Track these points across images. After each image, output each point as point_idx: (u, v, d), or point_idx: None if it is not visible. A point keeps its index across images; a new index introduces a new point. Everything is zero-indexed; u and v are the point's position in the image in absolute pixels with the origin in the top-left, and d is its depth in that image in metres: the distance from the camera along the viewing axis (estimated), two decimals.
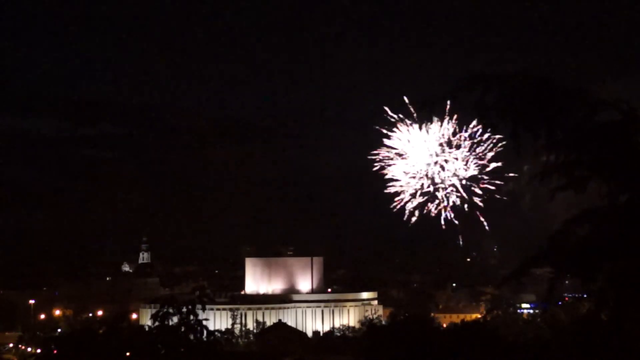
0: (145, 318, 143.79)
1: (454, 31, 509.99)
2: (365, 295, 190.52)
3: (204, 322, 39.89)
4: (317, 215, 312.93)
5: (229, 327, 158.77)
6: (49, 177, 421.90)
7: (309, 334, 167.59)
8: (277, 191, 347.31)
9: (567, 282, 14.72)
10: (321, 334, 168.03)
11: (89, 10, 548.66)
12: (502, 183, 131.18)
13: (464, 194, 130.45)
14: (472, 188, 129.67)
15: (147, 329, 44.74)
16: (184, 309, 38.97)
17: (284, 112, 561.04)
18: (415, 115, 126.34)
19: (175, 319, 39.01)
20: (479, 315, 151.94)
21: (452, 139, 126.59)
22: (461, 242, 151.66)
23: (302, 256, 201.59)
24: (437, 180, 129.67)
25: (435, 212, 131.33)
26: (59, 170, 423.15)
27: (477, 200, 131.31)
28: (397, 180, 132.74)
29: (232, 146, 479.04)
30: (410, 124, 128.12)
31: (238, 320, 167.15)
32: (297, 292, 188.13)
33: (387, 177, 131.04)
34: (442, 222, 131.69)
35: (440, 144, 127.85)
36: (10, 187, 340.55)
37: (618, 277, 13.79)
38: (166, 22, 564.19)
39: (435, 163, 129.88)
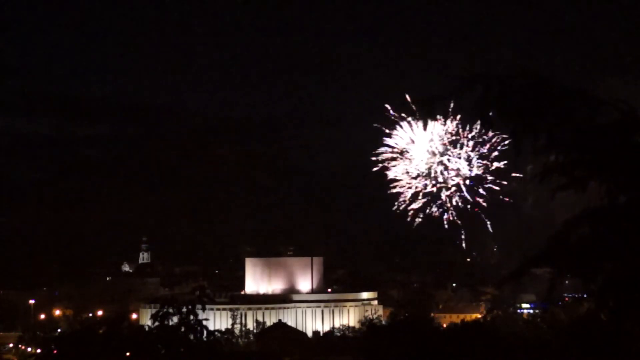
0: (145, 318, 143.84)
1: (453, 31, 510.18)
2: (365, 295, 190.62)
3: (204, 322, 39.88)
4: (317, 215, 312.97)
5: (229, 327, 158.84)
6: (49, 177, 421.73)
7: (309, 334, 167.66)
8: (277, 191, 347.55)
9: (567, 282, 14.72)
10: (321, 334, 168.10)
11: (89, 10, 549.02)
12: (505, 183, 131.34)
13: (467, 194, 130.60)
14: (475, 188, 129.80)
15: (147, 329, 44.80)
16: (184, 309, 38.96)
17: (284, 112, 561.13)
18: (417, 114, 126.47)
19: (175, 319, 39.01)
20: (479, 315, 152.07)
21: (455, 138, 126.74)
22: (464, 244, 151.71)
23: (302, 256, 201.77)
24: (439, 180, 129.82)
25: (438, 212, 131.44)
26: (59, 170, 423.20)
27: (480, 200, 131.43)
28: (399, 180, 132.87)
29: (232, 146, 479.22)
30: (413, 123, 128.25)
31: (238, 320, 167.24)
32: (297, 292, 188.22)
33: (389, 178, 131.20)
34: (445, 222, 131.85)
35: (443, 144, 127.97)
36: (10, 187, 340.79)
37: (618, 277, 13.79)
38: (166, 22, 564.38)
39: (438, 163, 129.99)
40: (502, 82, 14.44)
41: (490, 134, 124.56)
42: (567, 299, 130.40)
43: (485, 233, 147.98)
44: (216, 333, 42.65)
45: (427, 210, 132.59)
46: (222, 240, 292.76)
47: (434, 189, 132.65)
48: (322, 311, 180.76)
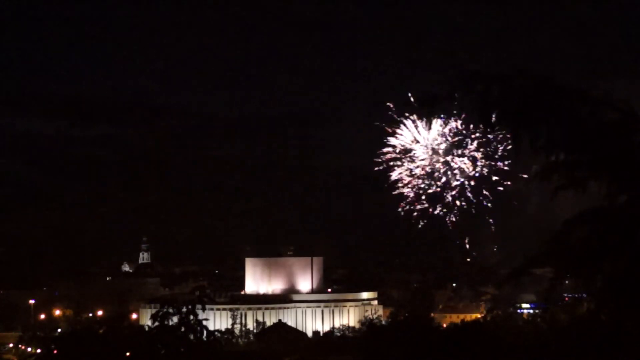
0: (145, 318, 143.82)
1: (454, 31, 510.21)
2: (365, 295, 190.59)
3: (204, 322, 39.90)
4: (317, 215, 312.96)
5: (229, 327, 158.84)
6: (49, 177, 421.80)
7: (309, 334, 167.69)
8: (277, 191, 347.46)
9: (567, 282, 14.71)
10: (321, 334, 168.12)
11: (89, 10, 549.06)
12: (508, 183, 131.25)
13: (470, 195, 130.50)
14: (478, 188, 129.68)
15: (147, 329, 44.80)
16: (184, 309, 38.98)
17: (285, 111, 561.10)
18: (419, 115, 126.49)
19: (175, 319, 39.03)
20: (479, 315, 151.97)
21: (459, 138, 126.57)
22: (467, 244, 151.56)
23: (302, 256, 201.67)
24: (442, 180, 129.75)
25: (441, 213, 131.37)
26: (59, 170, 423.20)
27: (483, 200, 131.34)
28: (402, 181, 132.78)
29: (232, 146, 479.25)
30: (415, 123, 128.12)
31: (238, 320, 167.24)
32: (297, 292, 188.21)
33: (392, 178, 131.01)
34: (448, 222, 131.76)
35: (447, 143, 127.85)
36: (10, 187, 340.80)
37: (618, 277, 13.79)
38: (166, 22, 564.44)
39: (442, 163, 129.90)
40: (502, 82, 14.43)
41: (494, 134, 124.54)
42: (567, 299, 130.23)
43: (486, 233, 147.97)
44: (216, 333, 42.77)
45: (430, 211, 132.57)
46: (222, 240, 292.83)
47: (437, 190, 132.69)
48: (322, 311, 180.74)
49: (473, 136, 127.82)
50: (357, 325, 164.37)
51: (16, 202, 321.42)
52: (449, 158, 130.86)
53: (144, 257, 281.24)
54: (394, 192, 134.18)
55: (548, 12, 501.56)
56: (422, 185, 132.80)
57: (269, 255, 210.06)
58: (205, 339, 39.46)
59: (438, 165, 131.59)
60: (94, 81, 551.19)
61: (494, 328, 70.36)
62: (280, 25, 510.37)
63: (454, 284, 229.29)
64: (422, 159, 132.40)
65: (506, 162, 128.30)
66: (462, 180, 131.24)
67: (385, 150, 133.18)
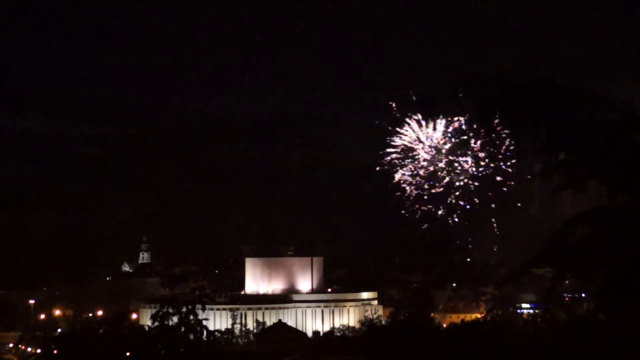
0: (145, 318, 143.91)
1: (454, 31, 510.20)
2: (365, 295, 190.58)
3: (204, 322, 39.93)
4: (317, 216, 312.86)
5: (229, 327, 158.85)
6: (49, 177, 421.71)
7: (309, 334, 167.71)
8: (277, 191, 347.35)
9: (567, 282, 14.71)
10: (321, 334, 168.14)
11: (88, 10, 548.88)
12: (511, 183, 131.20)
13: (473, 195, 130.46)
14: (481, 188, 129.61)
15: (147, 329, 44.86)
16: (184, 309, 39.02)
17: (285, 111, 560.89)
18: (422, 114, 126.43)
19: (175, 319, 39.06)
20: (479, 315, 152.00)
21: (461, 138, 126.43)
22: (470, 244, 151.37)
23: (302, 256, 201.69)
24: (445, 180, 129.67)
25: (444, 213, 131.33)
26: (59, 170, 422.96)
27: (486, 200, 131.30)
28: (405, 181, 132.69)
29: (232, 146, 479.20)
30: (418, 123, 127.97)
31: (238, 320, 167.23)
32: (297, 292, 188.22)
33: (394, 178, 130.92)
34: (450, 222, 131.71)
35: (450, 144, 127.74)
36: (10, 187, 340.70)
37: (618, 277, 13.79)
38: (166, 22, 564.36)
39: (445, 163, 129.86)
40: (501, 81, 14.44)
41: (497, 134, 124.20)
42: (567, 299, 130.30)
43: (488, 233, 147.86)
44: (216, 333, 42.82)
45: (433, 209, 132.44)
46: (222, 240, 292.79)
47: (440, 190, 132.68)
48: (322, 311, 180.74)
49: (473, 136, 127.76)
50: (357, 325, 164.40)
51: (16, 202, 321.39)
52: (452, 158, 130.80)
53: (144, 257, 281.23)
54: (397, 193, 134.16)
55: (548, 12, 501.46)
56: (425, 186, 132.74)
57: (269, 255, 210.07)
58: (205, 339, 39.49)
59: (441, 164, 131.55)
60: (94, 81, 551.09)
61: (494, 328, 70.33)
62: (281, 26, 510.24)
63: (454, 284, 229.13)
64: (425, 159, 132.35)
65: (508, 163, 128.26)
66: (464, 179, 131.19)
67: (387, 150, 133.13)
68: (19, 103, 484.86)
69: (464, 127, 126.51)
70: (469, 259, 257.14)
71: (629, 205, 13.94)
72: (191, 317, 38.98)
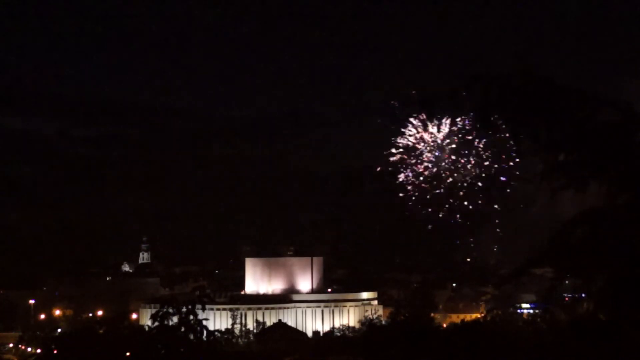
0: (145, 318, 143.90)
1: (454, 31, 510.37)
2: (365, 295, 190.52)
3: (204, 322, 39.96)
4: (317, 216, 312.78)
5: (229, 327, 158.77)
6: (49, 177, 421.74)
7: (309, 334, 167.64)
8: (277, 191, 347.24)
9: (567, 282, 14.71)
10: (321, 334, 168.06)
11: (88, 10, 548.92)
12: (513, 183, 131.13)
13: (477, 194, 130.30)
14: (484, 188, 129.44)
15: (147, 329, 44.85)
16: (184, 309, 39.03)
17: (285, 111, 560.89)
18: (422, 114, 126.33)
19: (175, 319, 39.07)
20: (479, 315, 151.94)
21: (467, 138, 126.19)
22: (473, 244, 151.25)
23: (302, 256, 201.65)
24: (449, 180, 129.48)
25: (446, 213, 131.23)
26: (59, 170, 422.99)
27: (488, 200, 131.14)
28: (407, 180, 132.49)
29: (232, 146, 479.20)
30: (419, 123, 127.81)
31: (238, 320, 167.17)
32: (297, 292, 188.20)
33: (397, 178, 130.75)
34: (453, 222, 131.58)
35: (452, 143, 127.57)
36: (10, 187, 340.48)
37: (618, 277, 13.79)
38: (166, 22, 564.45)
39: (448, 163, 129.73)
40: (501, 82, 14.44)
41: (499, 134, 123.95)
42: (567, 299, 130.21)
43: (488, 233, 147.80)
44: (216, 333, 42.86)
45: (436, 210, 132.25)
46: (222, 240, 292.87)
47: (442, 190, 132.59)
48: (322, 311, 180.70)
49: (477, 136, 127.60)
50: (357, 325, 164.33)
51: (16, 202, 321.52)
52: (455, 157, 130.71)
53: (144, 257, 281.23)
54: (400, 194, 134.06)
55: (549, 11, 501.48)
56: (426, 186, 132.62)
57: (269, 255, 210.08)
58: (205, 339, 39.51)
59: (444, 164, 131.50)
60: (94, 81, 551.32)
61: (494, 328, 70.36)
62: (281, 25, 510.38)
63: (454, 284, 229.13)
64: (428, 159, 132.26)
65: (511, 163, 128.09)
66: (468, 179, 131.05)
67: (389, 150, 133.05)
68: (19, 103, 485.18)
69: (467, 127, 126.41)
70: (469, 259, 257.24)
71: (629, 205, 13.94)
72: (191, 317, 39.01)
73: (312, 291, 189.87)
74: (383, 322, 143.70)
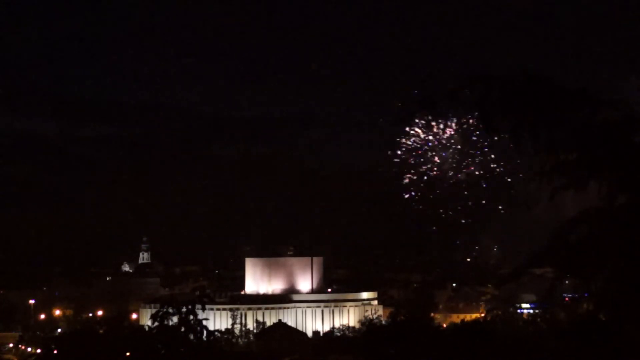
0: (145, 318, 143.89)
1: (455, 31, 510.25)
2: (365, 295, 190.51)
3: (204, 322, 39.94)
4: (317, 215, 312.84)
5: (229, 327, 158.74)
6: (49, 177, 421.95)
7: (309, 334, 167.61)
8: (277, 191, 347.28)
9: (567, 282, 14.72)
10: (321, 334, 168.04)
11: (88, 10, 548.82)
12: (517, 183, 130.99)
13: (482, 194, 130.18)
14: (488, 188, 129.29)
15: (147, 329, 44.87)
16: (184, 309, 39.02)
17: (286, 112, 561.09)
18: (424, 115, 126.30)
19: (175, 319, 39.06)
20: (479, 315, 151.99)
21: (466, 138, 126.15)
22: (475, 245, 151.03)
23: (302, 256, 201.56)
24: (452, 180, 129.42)
25: (451, 213, 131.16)
26: (59, 170, 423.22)
27: (491, 200, 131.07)
28: (412, 183, 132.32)
29: (232, 146, 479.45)
30: (421, 123, 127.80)
31: (238, 320, 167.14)
32: (297, 292, 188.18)
33: (398, 178, 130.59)
34: (459, 223, 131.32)
35: (456, 144, 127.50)
36: (10, 187, 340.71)
37: (618, 277, 13.79)
38: (167, 22, 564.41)
39: (450, 163, 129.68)
40: (502, 82, 14.44)
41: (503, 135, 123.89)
42: (567, 299, 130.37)
43: (489, 233, 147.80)
44: (216, 333, 42.87)
45: (440, 211, 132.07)
46: (222, 240, 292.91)
47: (445, 190, 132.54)
48: (322, 311, 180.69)
49: (482, 135, 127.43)
50: (357, 325, 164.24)
51: (16, 202, 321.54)
52: (459, 158, 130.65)
53: (144, 257, 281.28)
54: (405, 195, 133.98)
55: (549, 12, 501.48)
56: (430, 187, 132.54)
57: (269, 255, 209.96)
58: (205, 339, 39.50)
59: (446, 165, 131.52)
60: (94, 81, 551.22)
61: (494, 328, 70.38)
62: (281, 25, 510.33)
63: (454, 284, 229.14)
64: (432, 159, 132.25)
65: (518, 161, 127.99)
66: (470, 179, 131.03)
67: (390, 150, 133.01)
68: (20, 103, 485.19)
69: (471, 127, 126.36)
70: (469, 259, 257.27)
71: (629, 205, 13.94)
72: (191, 317, 38.99)
73: (312, 291, 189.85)
74: (383, 322, 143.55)
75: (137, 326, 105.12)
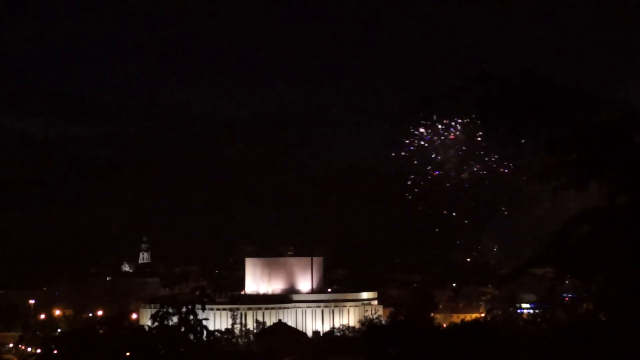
0: (145, 318, 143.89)
1: (455, 31, 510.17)
2: (365, 295, 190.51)
3: (204, 322, 39.93)
4: (317, 215, 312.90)
5: (229, 327, 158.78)
6: (49, 177, 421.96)
7: (309, 334, 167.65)
8: (277, 191, 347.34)
9: (567, 282, 14.71)
10: (321, 334, 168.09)
11: (90, 10, 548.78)
12: (519, 184, 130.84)
13: (484, 194, 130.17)
14: (489, 188, 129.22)
15: (147, 329, 44.87)
16: (184, 309, 39.01)
17: (286, 112, 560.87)
18: (425, 115, 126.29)
19: (175, 319, 39.06)
20: (479, 315, 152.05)
21: (469, 138, 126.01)
22: (475, 244, 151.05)
23: (302, 256, 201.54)
24: (453, 181, 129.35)
25: (454, 213, 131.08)
26: (59, 170, 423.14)
27: (492, 200, 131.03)
28: (414, 183, 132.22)
29: (232, 146, 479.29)
30: (421, 123, 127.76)
31: (238, 320, 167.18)
32: (297, 292, 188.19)
33: (399, 178, 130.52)
34: (461, 224, 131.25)
35: (457, 143, 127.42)
36: (10, 187, 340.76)
37: (618, 277, 13.79)
38: (167, 22, 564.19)
39: (453, 163, 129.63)
40: (502, 81, 14.44)
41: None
42: (567, 299, 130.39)
43: (489, 233, 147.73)
44: (216, 333, 42.87)
45: (442, 211, 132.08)
46: (222, 240, 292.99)
47: (447, 189, 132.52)
48: (322, 311, 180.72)
49: (483, 137, 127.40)
50: (357, 325, 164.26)
51: (16, 202, 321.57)
52: (462, 157, 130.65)
53: (144, 257, 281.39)
54: (406, 194, 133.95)
55: (548, 11, 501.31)
56: (432, 187, 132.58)
57: (269, 255, 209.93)
58: (205, 339, 39.49)
59: (449, 165, 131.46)
60: (94, 81, 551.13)
61: (494, 328, 70.34)
62: (281, 25, 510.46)
63: (454, 284, 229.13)
64: (434, 159, 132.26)
65: (513, 163, 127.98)
66: (473, 179, 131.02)
67: (391, 150, 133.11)
68: (19, 103, 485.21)
69: (474, 127, 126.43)
70: (469, 259, 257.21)
71: (629, 205, 13.94)
72: (191, 317, 38.98)
73: (312, 291, 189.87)
74: (383, 322, 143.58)
75: (137, 326, 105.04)
